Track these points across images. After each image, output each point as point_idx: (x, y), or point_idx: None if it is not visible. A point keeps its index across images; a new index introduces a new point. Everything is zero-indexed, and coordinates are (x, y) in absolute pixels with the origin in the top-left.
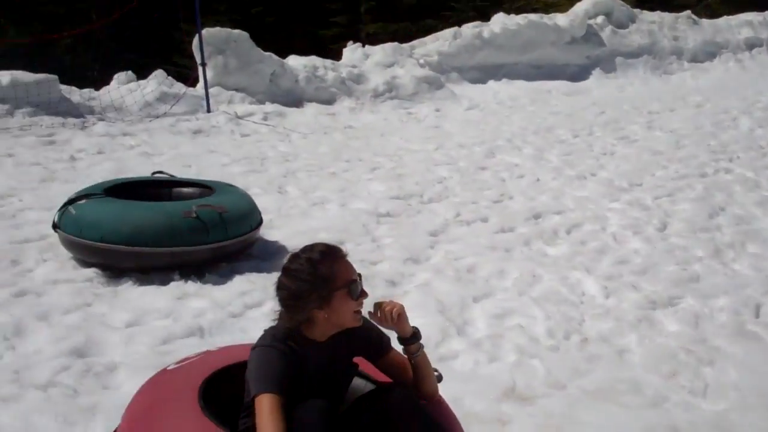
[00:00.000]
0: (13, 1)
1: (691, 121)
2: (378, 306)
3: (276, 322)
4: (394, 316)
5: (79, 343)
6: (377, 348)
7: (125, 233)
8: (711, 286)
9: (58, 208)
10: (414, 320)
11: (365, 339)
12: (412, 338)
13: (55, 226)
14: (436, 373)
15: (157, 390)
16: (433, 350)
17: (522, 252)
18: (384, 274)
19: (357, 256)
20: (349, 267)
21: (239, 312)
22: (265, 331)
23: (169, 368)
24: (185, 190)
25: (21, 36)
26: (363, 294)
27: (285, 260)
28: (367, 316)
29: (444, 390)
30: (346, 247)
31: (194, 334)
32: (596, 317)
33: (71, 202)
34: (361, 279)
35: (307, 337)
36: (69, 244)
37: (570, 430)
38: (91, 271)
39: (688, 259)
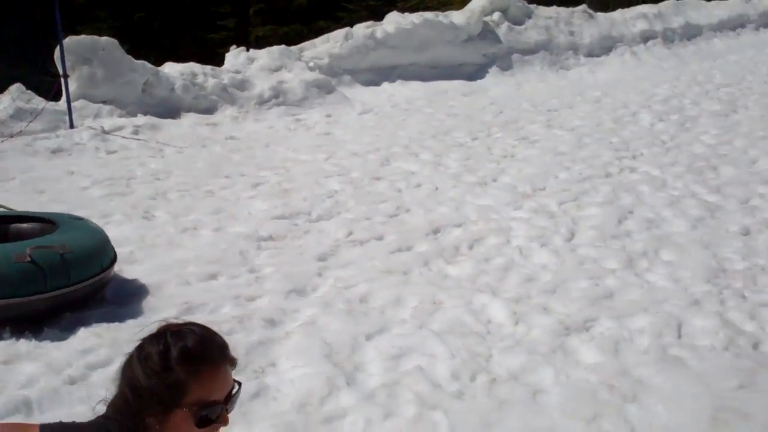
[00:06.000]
0: None
1: (590, 118)
2: None
3: (108, 408)
4: None
5: None
6: None
7: None
8: (627, 304)
9: None
10: (296, 370)
11: None
12: None
13: None
14: None
15: None
16: (317, 409)
17: (421, 274)
18: (262, 312)
19: (231, 292)
20: (218, 381)
21: (80, 376)
22: (98, 418)
23: None
24: (24, 226)
25: None
26: (217, 423)
27: (150, 332)
28: None
29: None
30: (220, 337)
31: (19, 411)
32: (505, 350)
33: None
34: (230, 400)
35: None
36: None
37: None
38: None
39: (599, 273)
